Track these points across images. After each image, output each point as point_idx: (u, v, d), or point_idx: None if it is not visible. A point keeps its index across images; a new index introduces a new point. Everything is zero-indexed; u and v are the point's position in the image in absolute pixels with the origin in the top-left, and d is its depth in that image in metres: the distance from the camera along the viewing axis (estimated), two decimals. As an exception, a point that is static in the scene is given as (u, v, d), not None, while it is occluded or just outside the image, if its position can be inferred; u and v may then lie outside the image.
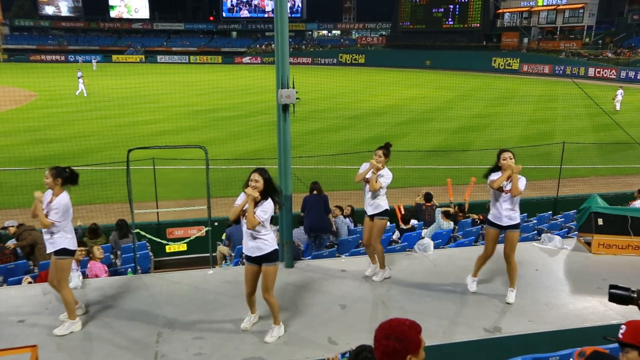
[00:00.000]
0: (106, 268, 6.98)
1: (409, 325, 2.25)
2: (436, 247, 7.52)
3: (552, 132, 21.59)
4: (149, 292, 5.85)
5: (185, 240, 8.75)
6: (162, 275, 6.46)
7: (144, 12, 78.47)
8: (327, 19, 78.55)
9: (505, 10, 58.63)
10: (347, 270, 6.51)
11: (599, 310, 5.52)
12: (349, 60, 65.77)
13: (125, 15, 78.58)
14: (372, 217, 6.00)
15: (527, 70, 50.98)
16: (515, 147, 6.72)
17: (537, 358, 4.08)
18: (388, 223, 6.36)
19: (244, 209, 4.61)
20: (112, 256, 8.05)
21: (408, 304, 5.62)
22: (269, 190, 4.60)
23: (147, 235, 8.50)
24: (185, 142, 18.40)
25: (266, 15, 75.64)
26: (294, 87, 6.04)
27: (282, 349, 4.74)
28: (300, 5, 74.65)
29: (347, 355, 2.81)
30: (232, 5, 77.48)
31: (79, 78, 32.33)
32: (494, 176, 5.41)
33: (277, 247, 4.79)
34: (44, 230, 4.91)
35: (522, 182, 5.35)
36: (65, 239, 4.91)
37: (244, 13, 77.63)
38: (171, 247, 8.74)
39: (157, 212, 10.00)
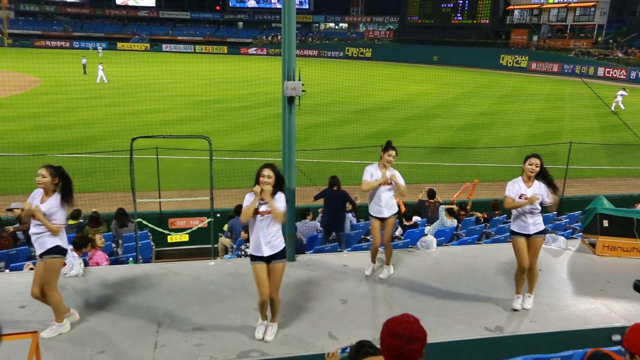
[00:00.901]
0: (107, 256, 6.98)
1: (417, 322, 2.30)
2: (439, 244, 7.48)
3: (559, 131, 21.44)
4: (150, 281, 5.84)
5: (187, 231, 8.75)
6: (163, 265, 6.45)
7: (150, 0, 78.21)
8: (334, 11, 78.01)
9: (515, 7, 58.11)
10: (349, 265, 6.48)
11: (601, 312, 5.47)
12: (355, 53, 65.40)
13: (131, 3, 78.24)
14: (385, 218, 5.88)
15: (535, 69, 50.58)
16: (521, 146, 6.66)
17: (538, 359, 4.05)
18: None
19: (261, 209, 4.52)
20: (113, 245, 8.06)
21: (409, 300, 5.59)
22: (280, 184, 4.60)
23: (149, 225, 8.50)
24: (189, 132, 18.38)
25: (273, 7, 75.23)
26: (300, 80, 5.97)
27: (282, 342, 4.73)
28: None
29: (348, 350, 2.78)
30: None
31: (99, 65, 33.04)
32: (511, 192, 5.23)
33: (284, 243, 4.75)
34: (32, 229, 4.44)
35: (543, 192, 5.20)
36: (58, 237, 4.52)
37: (251, 3, 77.21)
38: (173, 238, 8.74)
39: (160, 202, 10.00)
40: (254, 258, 4.62)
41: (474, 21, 60.39)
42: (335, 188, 8.16)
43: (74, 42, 68.01)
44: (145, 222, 8.31)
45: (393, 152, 5.75)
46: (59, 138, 16.26)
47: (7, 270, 6.50)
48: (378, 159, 5.91)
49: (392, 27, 72.04)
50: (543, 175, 5.24)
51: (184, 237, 8.72)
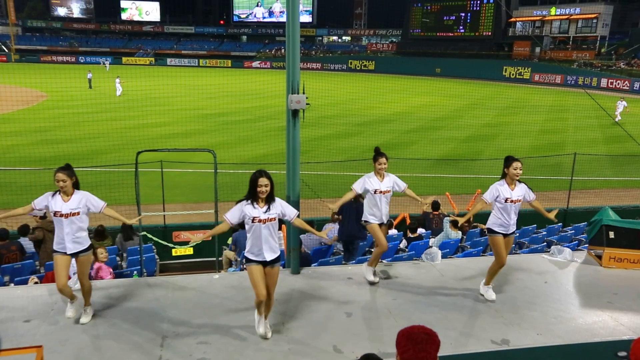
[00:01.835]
0: (111, 270, 6.98)
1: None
2: (444, 256, 7.44)
3: (563, 142, 21.41)
4: (154, 295, 5.83)
5: (191, 244, 8.74)
6: (167, 279, 6.44)
7: (155, 15, 79.23)
8: (337, 24, 78.77)
9: (517, 19, 58.47)
10: (354, 278, 6.45)
11: (609, 325, 5.41)
12: (358, 66, 65.85)
13: (136, 18, 79.36)
14: (384, 224, 6.17)
15: (538, 80, 50.71)
16: (525, 158, 6.66)
17: (545, 373, 4.01)
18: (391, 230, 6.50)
19: (263, 217, 4.65)
20: (117, 258, 8.05)
21: (415, 313, 5.55)
22: (273, 187, 4.73)
23: (154, 238, 8.50)
24: (193, 145, 18.49)
25: (276, 20, 76.01)
26: (304, 93, 6.03)
27: (287, 355, 4.70)
28: (311, 10, 74.96)
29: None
30: (242, 9, 77.95)
31: (116, 79, 33.91)
32: (490, 196, 5.58)
33: None
34: (66, 229, 4.74)
35: (524, 192, 5.61)
36: (87, 235, 4.98)
37: (255, 16, 78.04)
38: (177, 251, 8.74)
39: (164, 215, 10.02)
40: (250, 260, 4.73)
41: (477, 33, 60.77)
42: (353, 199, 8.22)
43: (80, 57, 68.87)
44: (149, 236, 8.32)
45: (383, 159, 5.91)
46: (65, 152, 16.38)
47: (12, 285, 6.51)
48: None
49: (394, 39, 72.59)
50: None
51: (189, 250, 8.71)
